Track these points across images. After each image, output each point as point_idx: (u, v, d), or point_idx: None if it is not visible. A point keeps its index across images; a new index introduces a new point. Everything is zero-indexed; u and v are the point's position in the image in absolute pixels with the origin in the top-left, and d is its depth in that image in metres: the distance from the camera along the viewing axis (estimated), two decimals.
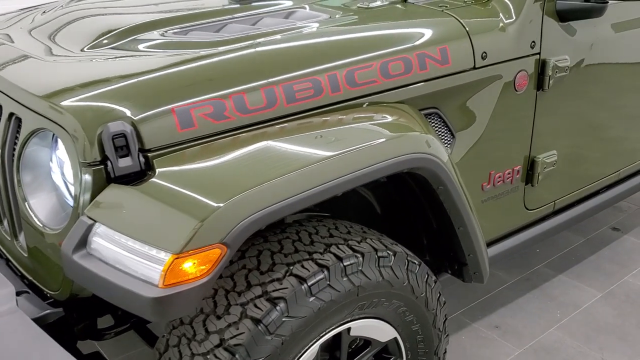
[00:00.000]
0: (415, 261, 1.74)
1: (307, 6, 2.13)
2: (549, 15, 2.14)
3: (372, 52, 1.77)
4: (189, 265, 1.26)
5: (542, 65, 2.16)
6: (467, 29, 1.96)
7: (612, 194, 2.71)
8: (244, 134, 1.55)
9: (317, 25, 1.90)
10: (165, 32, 1.89)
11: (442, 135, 2.00)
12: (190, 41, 1.79)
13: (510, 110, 2.13)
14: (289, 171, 1.39)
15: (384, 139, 1.57)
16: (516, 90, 2.12)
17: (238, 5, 2.13)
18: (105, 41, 1.84)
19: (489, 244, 2.33)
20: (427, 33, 1.90)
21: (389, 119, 1.69)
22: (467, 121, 2.04)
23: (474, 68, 1.97)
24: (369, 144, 1.54)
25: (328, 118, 1.65)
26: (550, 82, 2.18)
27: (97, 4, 2.26)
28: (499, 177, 2.20)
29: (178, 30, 1.90)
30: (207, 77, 1.55)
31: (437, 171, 1.66)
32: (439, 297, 1.84)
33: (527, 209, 2.39)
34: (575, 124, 2.42)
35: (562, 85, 2.26)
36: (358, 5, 2.09)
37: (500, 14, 2.06)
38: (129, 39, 1.84)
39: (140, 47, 1.77)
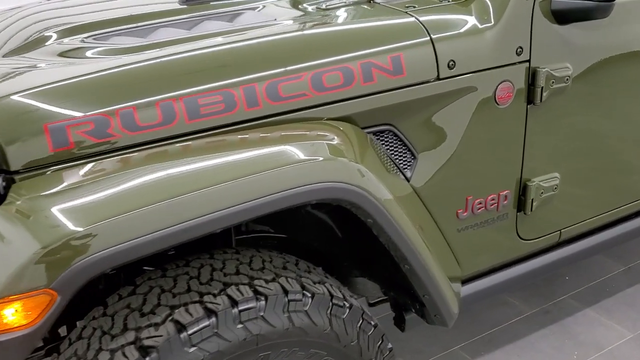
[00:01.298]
0: (344, 303, 1.50)
1: (261, 6, 1.92)
2: (542, 16, 1.82)
3: (303, 62, 1.54)
4: (11, 312, 1.09)
5: (532, 75, 1.84)
6: (430, 33, 1.68)
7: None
8: (133, 155, 1.36)
9: (255, 30, 1.68)
10: (87, 37, 1.74)
11: (399, 156, 1.74)
12: (101, 48, 1.62)
13: (490, 127, 1.83)
14: (150, 203, 1.19)
15: (288, 165, 1.34)
16: (498, 104, 1.81)
17: (185, 7, 1.94)
18: (26, 48, 1.71)
19: (474, 278, 2.04)
20: (378, 38, 1.65)
21: (311, 140, 1.45)
22: (433, 140, 1.76)
23: (438, 79, 1.70)
24: (267, 171, 1.31)
25: (239, 137, 1.44)
26: (544, 94, 1.86)
27: (51, 6, 2.15)
28: (480, 203, 1.91)
29: (101, 35, 1.74)
30: (91, 90, 1.38)
31: (360, 203, 1.41)
32: (380, 344, 1.59)
33: (522, 239, 2.07)
34: (584, 143, 2.07)
35: (563, 98, 1.93)
36: (316, 6, 1.86)
37: (478, 15, 1.77)
38: (46, 44, 1.70)
39: (47, 55, 1.63)
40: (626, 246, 3.19)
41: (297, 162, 1.34)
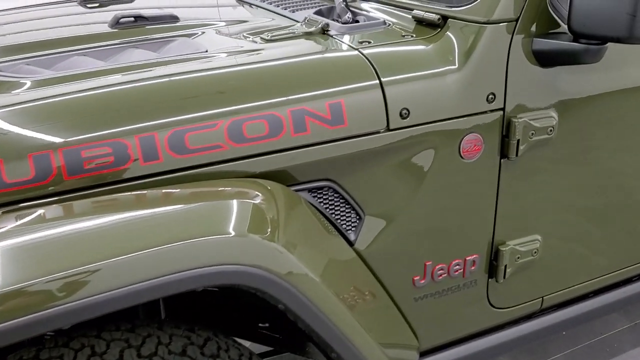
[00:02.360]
0: None
1: (200, 32, 1.69)
2: (522, 57, 1.55)
3: (219, 107, 1.31)
4: None
5: (507, 126, 1.58)
6: (379, 75, 1.43)
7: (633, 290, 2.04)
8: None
9: (173, 65, 1.45)
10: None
11: (341, 216, 1.49)
12: None
13: (454, 183, 1.57)
14: None
15: (170, 244, 1.09)
16: (463, 158, 1.55)
17: (115, 31, 1.71)
18: None
19: (438, 349, 1.78)
20: (315, 81, 1.40)
21: (216, 206, 1.22)
22: (383, 198, 1.51)
23: (388, 130, 1.45)
24: (142, 252, 1.07)
25: (127, 198, 1.20)
26: (521, 147, 1.59)
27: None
28: (441, 269, 1.65)
29: (3, 62, 1.53)
30: None
31: (264, 288, 1.16)
32: None
33: (495, 308, 1.80)
34: (570, 202, 1.79)
35: (546, 151, 1.66)
36: (261, 36, 1.62)
37: (441, 55, 1.51)
38: None
39: None
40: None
41: (183, 240, 1.10)
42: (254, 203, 1.24)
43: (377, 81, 1.43)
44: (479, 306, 1.78)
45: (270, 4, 2.01)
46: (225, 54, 1.51)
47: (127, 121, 1.24)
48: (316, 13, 1.77)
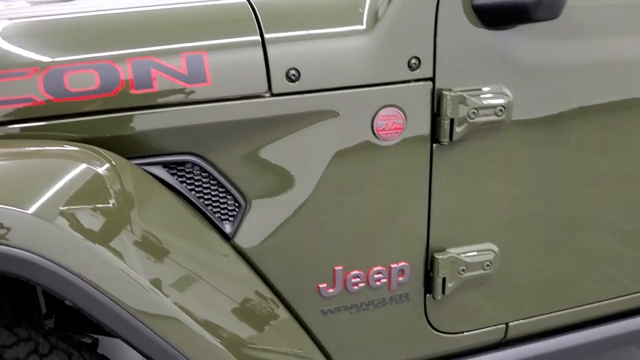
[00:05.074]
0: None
1: None
2: (457, 12, 1.22)
3: (34, 53, 1.06)
4: None
5: (438, 101, 1.25)
6: (262, 25, 1.15)
7: (628, 326, 1.62)
8: None
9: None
10: None
11: (212, 202, 1.21)
12: None
13: (369, 170, 1.26)
14: None
15: None
16: (379, 139, 1.24)
17: None
18: None
19: None
20: (170, 27, 1.13)
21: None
22: (271, 182, 1.22)
23: (272, 94, 1.15)
24: None
25: None
26: (458, 129, 1.26)
27: None
28: (357, 276, 1.33)
29: None
30: None
31: (34, 278, 0.90)
32: None
33: (438, 331, 1.46)
34: (537, 206, 1.43)
35: (496, 138, 1.32)
36: None
37: (350, 8, 1.20)
38: None
39: None
40: None
41: None
42: (49, 169, 0.98)
43: (258, 32, 1.14)
44: (416, 327, 1.44)
45: None
46: None
47: None
48: None
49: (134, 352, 1.07)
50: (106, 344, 1.52)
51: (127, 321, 0.96)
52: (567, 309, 1.55)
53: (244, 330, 1.18)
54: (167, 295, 1.02)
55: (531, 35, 1.28)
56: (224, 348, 1.10)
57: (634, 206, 1.53)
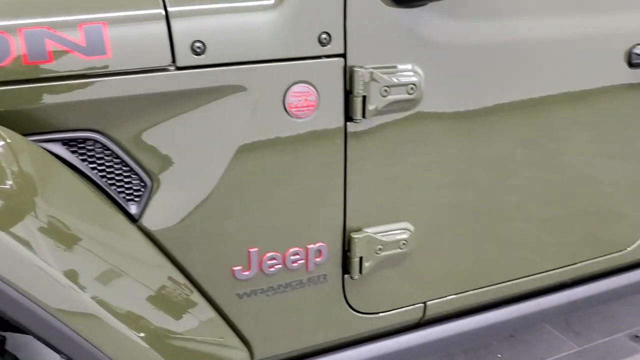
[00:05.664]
0: None
1: None
2: None
3: None
4: None
5: (350, 78, 1.24)
6: None
7: (542, 304, 1.67)
8: None
9: None
10: None
11: (116, 181, 1.16)
12: None
13: (282, 148, 1.24)
14: None
15: None
16: (292, 116, 1.22)
17: None
18: None
19: None
20: None
21: None
22: (178, 160, 1.18)
23: (177, 68, 1.12)
24: None
25: None
26: (370, 107, 1.25)
27: None
28: (273, 258, 1.31)
29: None
30: None
31: None
32: None
33: (356, 312, 1.46)
34: (451, 185, 1.44)
35: (408, 116, 1.32)
36: None
37: None
38: None
39: None
40: (583, 318, 2.50)
41: None
42: None
43: (161, 3, 1.10)
44: (335, 309, 1.43)
45: None
46: None
47: None
48: None
49: (48, 349, 1.02)
50: (16, 341, 1.45)
51: (45, 320, 0.91)
52: (483, 287, 1.58)
53: (162, 321, 1.14)
54: (83, 289, 0.97)
55: (443, 14, 1.29)
56: (144, 343, 1.06)
57: (551, 174, 1.56)
